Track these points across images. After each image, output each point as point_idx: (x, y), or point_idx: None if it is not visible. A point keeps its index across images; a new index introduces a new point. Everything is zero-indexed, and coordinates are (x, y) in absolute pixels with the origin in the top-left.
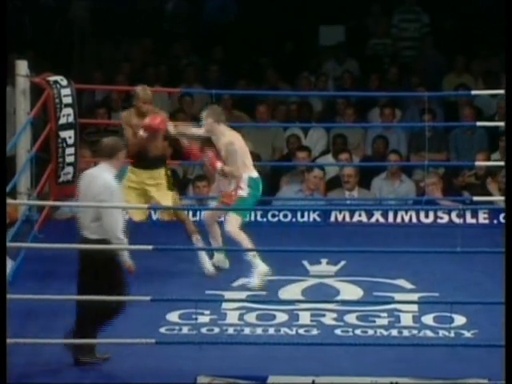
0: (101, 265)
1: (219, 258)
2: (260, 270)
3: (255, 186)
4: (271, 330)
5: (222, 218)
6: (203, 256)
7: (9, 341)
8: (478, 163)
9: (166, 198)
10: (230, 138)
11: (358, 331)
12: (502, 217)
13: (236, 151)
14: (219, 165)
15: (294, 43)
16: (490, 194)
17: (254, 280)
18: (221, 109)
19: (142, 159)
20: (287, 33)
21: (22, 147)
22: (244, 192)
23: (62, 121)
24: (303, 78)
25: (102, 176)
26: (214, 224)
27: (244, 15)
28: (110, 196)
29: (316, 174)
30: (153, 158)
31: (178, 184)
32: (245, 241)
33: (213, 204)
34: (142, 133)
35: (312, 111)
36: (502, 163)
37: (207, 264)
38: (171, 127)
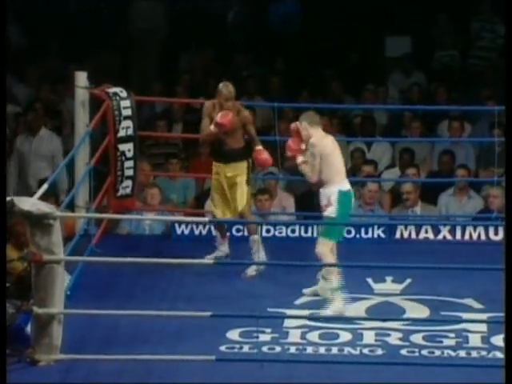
0: None
1: (337, 300)
2: (335, 306)
3: (345, 202)
4: (334, 350)
5: None
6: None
7: (65, 357)
8: None
9: (242, 197)
10: (315, 140)
11: (424, 352)
12: None
13: (315, 154)
14: (300, 158)
15: (358, 54)
16: None
17: (327, 311)
18: (315, 113)
19: (221, 153)
20: (352, 43)
21: (81, 160)
22: (332, 210)
23: (121, 133)
24: (368, 90)
25: None
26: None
27: (308, 25)
28: None
29: (371, 188)
30: (232, 152)
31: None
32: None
33: None
34: (212, 128)
35: (375, 124)
36: None
37: (253, 267)
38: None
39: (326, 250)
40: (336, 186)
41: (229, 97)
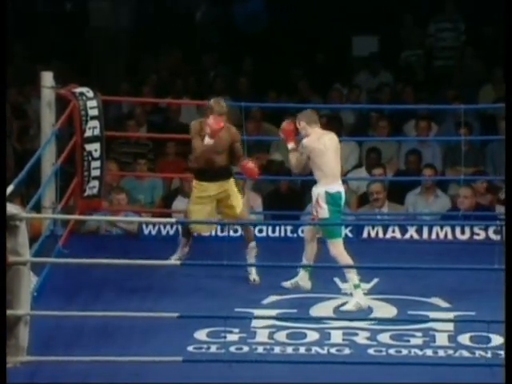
0: None
1: (303, 277)
2: (356, 302)
3: (333, 203)
4: (302, 349)
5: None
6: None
7: (32, 358)
8: None
9: (238, 203)
10: (307, 142)
11: (391, 351)
12: None
13: (303, 154)
14: (291, 145)
15: (326, 54)
16: None
17: (348, 306)
18: (313, 111)
19: (209, 172)
20: (319, 43)
21: (47, 160)
22: (324, 212)
23: (88, 133)
24: (335, 89)
25: None
26: (313, 241)
27: (275, 25)
28: None
29: None
30: (220, 170)
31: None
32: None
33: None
34: (208, 140)
35: (342, 124)
36: None
37: (254, 271)
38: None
39: (339, 250)
40: (324, 187)
41: (222, 112)
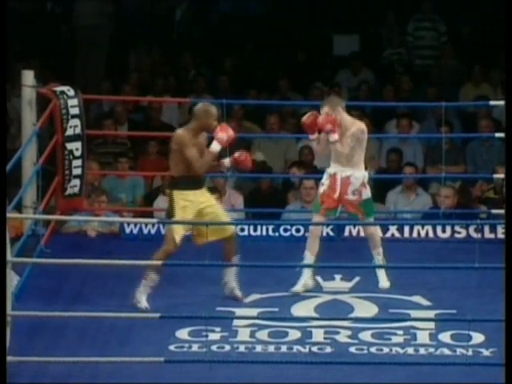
0: None
1: (309, 275)
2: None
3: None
4: (284, 348)
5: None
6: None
7: (12, 359)
8: (495, 176)
9: (223, 213)
10: (363, 126)
11: (373, 349)
12: None
13: (364, 141)
14: (335, 136)
15: (306, 53)
16: None
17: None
18: (337, 97)
19: (195, 179)
20: (300, 42)
21: (28, 159)
22: (368, 192)
23: (69, 132)
24: (316, 88)
25: None
26: (317, 239)
27: (256, 23)
28: None
29: (306, 185)
30: (203, 176)
31: None
32: (378, 244)
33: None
34: (216, 147)
35: None
36: None
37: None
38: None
39: (374, 228)
40: (363, 170)
41: (217, 116)
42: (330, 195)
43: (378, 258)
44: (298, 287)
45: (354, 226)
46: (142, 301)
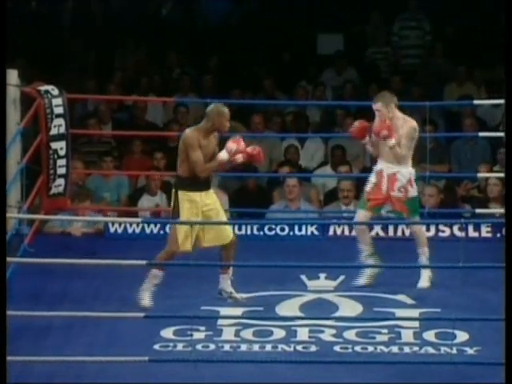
0: None
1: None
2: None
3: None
4: (268, 347)
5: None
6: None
7: None
8: (479, 175)
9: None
10: (414, 124)
11: (357, 348)
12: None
13: (415, 139)
14: (393, 141)
15: (291, 52)
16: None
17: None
18: (390, 93)
19: (202, 179)
20: (284, 41)
21: (12, 159)
22: (414, 190)
23: (54, 131)
24: (301, 87)
25: None
26: (366, 230)
27: (240, 23)
28: None
29: (289, 183)
30: (209, 178)
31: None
32: (424, 243)
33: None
34: (224, 157)
35: (308, 122)
36: (502, 175)
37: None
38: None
39: (420, 226)
40: (410, 168)
41: (229, 117)
42: (376, 192)
43: (422, 257)
44: (364, 280)
45: (339, 225)
46: (145, 299)
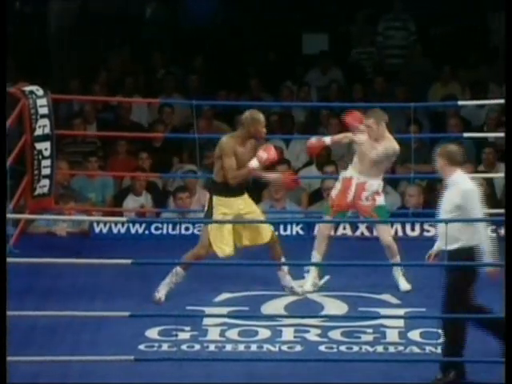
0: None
1: (315, 274)
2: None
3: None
4: (254, 347)
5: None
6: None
7: None
8: None
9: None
10: (397, 147)
11: (342, 347)
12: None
13: (391, 161)
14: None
15: (276, 52)
16: None
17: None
18: (381, 111)
19: (236, 185)
20: (269, 41)
21: None
22: (382, 199)
23: (38, 132)
24: (286, 87)
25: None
26: (325, 239)
27: (225, 23)
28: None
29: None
30: (243, 183)
31: (159, 197)
32: (395, 253)
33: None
34: (255, 165)
35: (294, 122)
36: (487, 175)
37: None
38: None
39: (390, 238)
40: (380, 180)
41: (264, 123)
42: (340, 199)
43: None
44: (308, 286)
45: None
46: (161, 293)
